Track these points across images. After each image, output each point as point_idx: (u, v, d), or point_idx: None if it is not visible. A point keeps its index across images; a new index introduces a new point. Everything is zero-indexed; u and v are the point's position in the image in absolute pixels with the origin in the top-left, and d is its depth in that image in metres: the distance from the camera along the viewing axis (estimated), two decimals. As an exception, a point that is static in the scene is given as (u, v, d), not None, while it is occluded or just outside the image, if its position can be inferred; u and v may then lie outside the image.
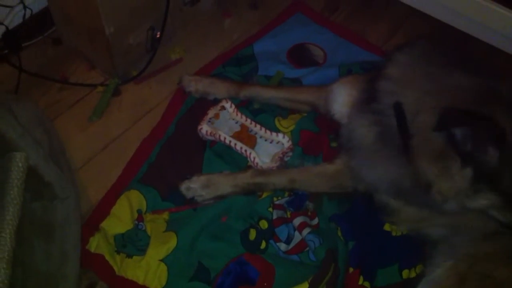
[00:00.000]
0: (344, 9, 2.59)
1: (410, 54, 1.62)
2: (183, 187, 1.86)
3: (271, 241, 1.79)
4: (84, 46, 2.19)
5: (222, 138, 1.97)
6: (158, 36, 2.20)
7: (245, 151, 1.95)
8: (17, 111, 1.57)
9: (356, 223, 1.84)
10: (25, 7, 2.17)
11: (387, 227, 1.85)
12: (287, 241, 1.79)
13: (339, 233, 1.81)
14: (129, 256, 1.74)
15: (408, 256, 1.78)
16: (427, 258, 1.69)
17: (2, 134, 1.38)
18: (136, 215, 1.83)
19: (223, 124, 2.04)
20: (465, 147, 1.35)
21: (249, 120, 2.05)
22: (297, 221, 1.81)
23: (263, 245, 1.78)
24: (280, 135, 2.00)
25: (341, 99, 1.87)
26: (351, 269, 1.76)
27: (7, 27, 2.14)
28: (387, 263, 1.78)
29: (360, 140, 1.69)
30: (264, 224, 1.81)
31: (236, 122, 2.05)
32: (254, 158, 1.93)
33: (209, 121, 2.03)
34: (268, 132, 2.01)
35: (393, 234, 1.84)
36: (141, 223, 1.82)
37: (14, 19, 2.18)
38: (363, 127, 1.67)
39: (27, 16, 2.20)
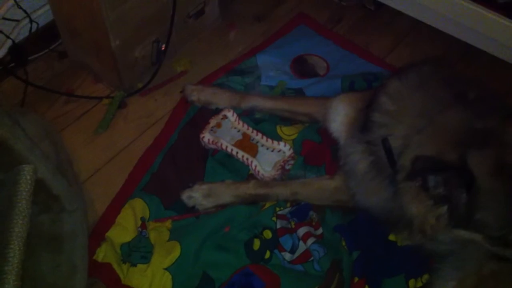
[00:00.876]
0: (348, 21, 2.60)
1: (407, 84, 1.63)
2: (185, 196, 1.87)
3: (276, 251, 1.79)
4: (90, 59, 2.21)
5: (224, 147, 1.98)
6: (163, 48, 2.21)
7: (247, 159, 1.96)
8: (23, 124, 1.57)
9: (361, 233, 1.84)
10: (31, 21, 2.19)
11: (392, 237, 1.85)
12: (292, 251, 1.79)
13: (343, 243, 1.81)
14: (134, 264, 1.74)
15: (414, 266, 1.78)
16: (434, 272, 1.69)
17: (11, 147, 1.38)
18: (139, 222, 1.84)
19: (225, 133, 2.05)
20: (438, 191, 1.37)
21: (250, 129, 2.06)
22: (301, 231, 1.81)
23: (267, 255, 1.78)
24: (282, 144, 2.01)
25: (339, 119, 1.87)
26: (356, 279, 1.75)
27: (13, 41, 2.16)
28: (393, 273, 1.78)
29: (355, 166, 1.71)
30: (268, 234, 1.81)
31: (238, 131, 2.06)
32: (256, 166, 1.94)
33: (211, 130, 2.04)
34: (269, 140, 2.02)
35: (399, 244, 1.83)
36: (144, 230, 1.82)
37: (21, 32, 2.21)
38: (357, 154, 1.69)
39: (33, 29, 2.23)
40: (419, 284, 1.76)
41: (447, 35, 2.34)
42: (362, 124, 1.69)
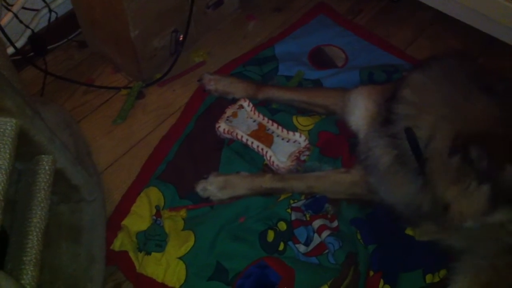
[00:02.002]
0: (368, 12, 2.58)
1: (430, 76, 1.60)
2: (200, 187, 1.87)
3: (290, 243, 1.78)
4: (109, 49, 2.21)
5: (239, 137, 1.98)
6: (181, 39, 2.21)
7: (262, 149, 1.96)
8: (43, 114, 1.58)
9: (378, 227, 1.83)
10: (50, 11, 2.20)
11: (409, 231, 1.83)
12: (306, 243, 1.79)
13: (359, 237, 1.80)
14: (148, 253, 1.75)
15: (432, 261, 1.76)
16: (451, 268, 1.68)
17: (31, 137, 1.39)
18: (154, 211, 1.85)
19: (241, 122, 2.05)
20: (482, 165, 1.35)
21: (266, 119, 2.05)
22: (317, 223, 1.81)
23: (282, 246, 1.77)
24: (297, 134, 2.00)
25: (358, 112, 1.85)
26: (371, 273, 1.75)
27: (33, 30, 2.17)
28: (410, 267, 1.76)
29: (377, 161, 1.68)
30: (282, 226, 1.81)
31: (254, 121, 2.06)
32: (271, 157, 1.93)
33: (227, 120, 2.04)
34: (285, 131, 2.02)
35: (416, 238, 1.81)
36: (159, 219, 1.83)
37: (40, 22, 2.21)
38: (380, 148, 1.67)
39: (53, 19, 2.23)
40: (437, 279, 1.75)
41: (469, 26, 2.31)
42: (384, 117, 1.66)
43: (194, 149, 2.02)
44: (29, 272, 1.31)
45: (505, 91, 1.50)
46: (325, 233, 1.77)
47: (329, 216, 1.85)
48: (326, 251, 1.76)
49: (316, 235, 1.80)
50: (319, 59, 2.34)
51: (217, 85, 2.14)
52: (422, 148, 1.49)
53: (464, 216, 1.46)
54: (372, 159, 1.71)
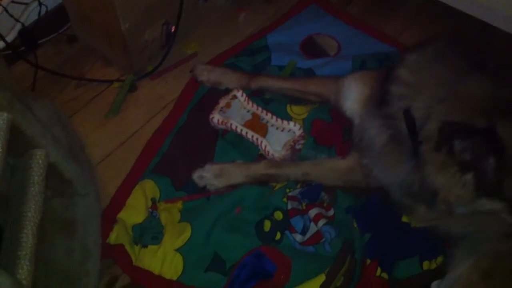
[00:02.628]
0: (359, 1, 2.57)
1: (424, 56, 1.61)
2: (196, 175, 1.87)
3: (287, 232, 1.78)
4: (99, 42, 2.20)
5: (233, 127, 1.98)
6: (173, 31, 2.20)
7: (257, 139, 1.96)
8: (35, 108, 1.56)
9: (373, 215, 1.83)
10: (40, 4, 2.18)
11: (405, 219, 1.83)
12: (303, 232, 1.79)
13: (355, 225, 1.81)
14: (145, 245, 1.75)
15: (428, 248, 1.77)
16: (449, 254, 1.68)
17: (23, 132, 1.38)
18: (150, 203, 1.84)
19: (235, 113, 2.04)
20: (465, 157, 1.36)
21: (260, 109, 2.05)
22: (313, 212, 1.81)
23: (278, 236, 1.77)
24: (291, 123, 2.00)
25: (352, 97, 1.86)
26: (368, 261, 1.75)
27: (23, 24, 2.15)
28: (407, 255, 1.77)
29: (372, 141, 1.69)
30: (279, 215, 1.81)
31: (248, 111, 2.05)
32: (266, 146, 1.93)
33: (220, 110, 2.04)
34: (279, 120, 2.02)
35: (412, 225, 1.82)
36: (155, 211, 1.83)
37: (30, 16, 2.19)
38: (375, 128, 1.68)
39: (43, 13, 2.21)
40: (433, 266, 1.75)
41: (462, 13, 2.30)
42: (379, 99, 1.67)
43: (188, 140, 2.01)
44: (24, 266, 1.30)
45: (496, 67, 1.51)
46: (321, 222, 1.77)
47: (325, 205, 1.85)
48: (323, 239, 1.76)
49: (312, 224, 1.80)
50: (311, 48, 2.34)
51: (209, 75, 2.14)
52: (418, 130, 1.50)
53: (450, 203, 1.47)
54: (367, 140, 1.72)
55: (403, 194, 1.68)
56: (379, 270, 1.74)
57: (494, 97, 1.41)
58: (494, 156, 1.33)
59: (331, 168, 1.88)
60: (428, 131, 1.45)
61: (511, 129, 1.34)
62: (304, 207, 1.84)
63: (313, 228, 1.79)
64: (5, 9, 2.05)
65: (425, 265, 1.76)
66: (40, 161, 1.45)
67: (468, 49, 1.64)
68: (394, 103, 1.58)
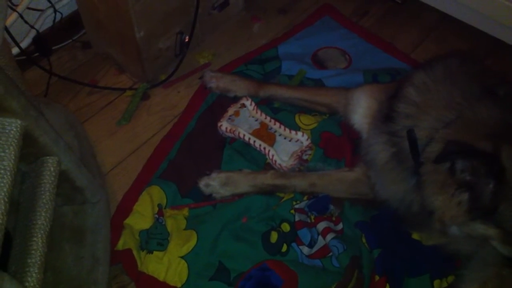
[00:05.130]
0: (374, 14, 2.57)
1: (433, 76, 1.60)
2: (202, 183, 1.87)
3: (293, 244, 1.77)
4: (113, 50, 2.21)
5: (241, 136, 1.98)
6: (186, 40, 2.20)
7: (264, 148, 1.95)
8: (48, 114, 1.57)
9: (383, 231, 1.81)
10: (55, 11, 2.20)
11: (415, 236, 1.81)
12: (310, 245, 1.77)
13: (363, 240, 1.79)
14: (150, 251, 1.74)
15: (440, 266, 1.75)
16: (458, 275, 1.68)
17: (36, 139, 1.38)
18: (156, 209, 1.84)
19: (243, 121, 2.04)
20: (463, 176, 1.36)
21: (268, 118, 2.05)
22: (321, 226, 1.79)
23: (285, 248, 1.76)
24: (299, 134, 1.99)
25: (361, 110, 1.85)
26: (377, 277, 1.73)
27: (37, 31, 2.17)
28: (417, 272, 1.74)
29: (375, 156, 1.69)
30: (286, 227, 1.80)
31: (256, 120, 2.05)
32: (273, 155, 1.93)
33: (229, 118, 2.03)
34: (287, 130, 2.01)
35: (423, 243, 1.80)
36: (161, 217, 1.82)
37: (45, 22, 2.21)
38: (379, 144, 1.67)
39: (57, 19, 2.23)
40: (444, 284, 1.73)
41: (476, 29, 2.30)
42: (386, 114, 1.66)
43: (196, 147, 2.01)
44: (33, 274, 1.30)
45: (506, 95, 1.51)
46: (329, 236, 1.76)
47: (333, 218, 1.83)
48: (330, 254, 1.75)
49: (320, 237, 1.78)
50: (323, 61, 2.33)
51: (218, 82, 2.14)
52: (420, 150, 1.50)
53: (444, 223, 1.47)
54: (371, 154, 1.72)
55: (402, 212, 1.68)
56: (388, 286, 1.72)
57: (501, 124, 1.41)
58: (493, 180, 1.32)
59: (338, 180, 1.87)
60: (430, 153, 1.45)
61: None
62: (312, 220, 1.82)
63: (321, 242, 1.78)
64: (20, 16, 2.06)
65: (436, 283, 1.73)
66: (52, 169, 1.45)
67: (480, 72, 1.63)
68: (399, 121, 1.58)
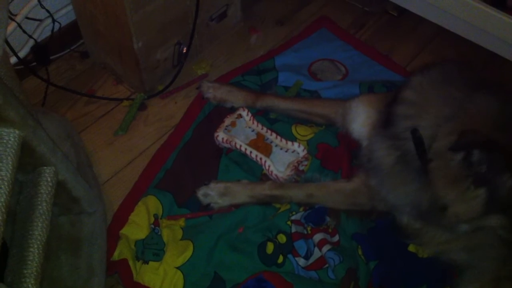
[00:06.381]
0: (370, 27, 2.58)
1: (429, 77, 1.62)
2: (201, 193, 1.86)
3: (290, 256, 1.77)
4: (111, 60, 2.21)
5: (238, 146, 1.98)
6: (184, 51, 2.21)
7: (260, 159, 1.96)
8: (45, 124, 1.57)
9: (379, 243, 1.82)
10: (53, 21, 2.20)
11: (412, 248, 1.82)
12: (306, 257, 1.77)
13: (360, 252, 1.79)
14: (146, 262, 1.74)
15: (436, 277, 1.75)
16: (455, 284, 1.69)
17: (33, 148, 1.38)
18: (152, 219, 1.83)
19: (240, 132, 2.05)
20: (480, 169, 1.36)
21: (265, 129, 2.05)
22: (317, 237, 1.79)
23: (281, 259, 1.76)
24: (296, 144, 2.00)
25: (360, 119, 1.86)
26: (373, 289, 1.74)
27: (36, 40, 2.17)
28: (414, 284, 1.75)
29: (380, 162, 1.69)
30: (282, 238, 1.80)
31: (253, 131, 2.06)
32: (269, 166, 1.93)
33: (225, 129, 2.04)
34: (283, 141, 2.02)
35: (419, 255, 1.81)
36: (157, 227, 1.82)
37: (43, 32, 2.21)
38: (383, 150, 1.67)
39: (56, 29, 2.23)
40: (441, 296, 1.74)
41: (472, 42, 2.31)
42: (385, 119, 1.67)
43: (193, 157, 2.02)
44: (30, 285, 1.29)
45: (499, 88, 1.54)
46: (325, 248, 1.76)
47: (330, 230, 1.83)
48: (326, 265, 1.75)
49: (316, 249, 1.78)
50: (319, 72, 2.34)
51: (215, 92, 2.14)
52: (427, 148, 1.50)
53: (459, 218, 1.47)
54: (375, 161, 1.72)
55: (411, 214, 1.68)
56: (384, 298, 1.72)
57: (503, 113, 1.42)
58: (510, 173, 1.32)
59: (336, 190, 1.87)
60: (437, 148, 1.46)
61: None
62: (309, 231, 1.82)
63: (317, 253, 1.78)
64: (19, 25, 2.07)
65: (433, 295, 1.74)
66: (49, 179, 1.45)
67: (473, 78, 1.64)
68: (400, 124, 1.59)
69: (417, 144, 1.51)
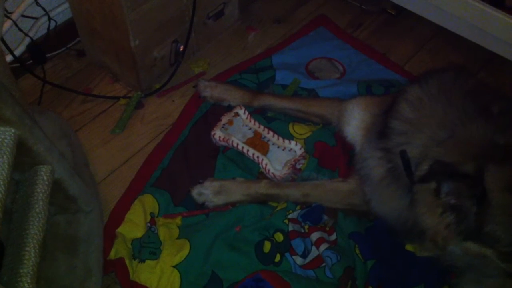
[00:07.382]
0: (369, 26, 2.58)
1: (428, 92, 1.60)
2: (195, 191, 1.86)
3: (287, 254, 1.77)
4: (108, 58, 2.20)
5: (235, 144, 1.98)
6: (181, 49, 2.20)
7: (257, 157, 1.95)
8: (41, 123, 1.56)
9: (377, 242, 1.81)
10: (49, 19, 2.19)
11: (409, 247, 1.81)
12: (303, 255, 1.77)
13: (357, 251, 1.79)
14: (142, 260, 1.74)
15: (434, 278, 1.75)
16: (454, 284, 1.68)
17: (30, 147, 1.37)
18: (149, 218, 1.83)
19: (237, 130, 2.05)
20: (449, 199, 1.36)
21: (262, 127, 2.05)
22: (315, 236, 1.79)
23: (278, 258, 1.76)
24: (293, 143, 2.00)
25: (354, 123, 1.86)
26: (370, 288, 1.73)
27: (32, 38, 2.16)
28: (412, 283, 1.74)
29: (371, 172, 1.69)
30: (279, 237, 1.79)
31: (250, 129, 2.06)
32: (266, 164, 1.92)
33: (222, 127, 2.03)
34: (280, 139, 2.01)
35: (417, 255, 1.80)
36: (153, 226, 1.81)
37: (39, 30, 2.20)
38: (374, 160, 1.67)
39: (52, 27, 2.22)
40: (439, 296, 1.74)
41: (470, 42, 2.31)
42: (380, 130, 1.66)
43: (189, 156, 2.01)
44: (26, 284, 1.29)
45: (500, 113, 1.50)
46: (323, 246, 1.76)
47: (327, 228, 1.83)
48: (323, 264, 1.75)
49: (314, 247, 1.78)
50: (317, 71, 2.34)
51: (212, 91, 2.14)
52: (414, 169, 1.49)
53: (437, 243, 1.47)
54: (366, 169, 1.72)
55: (398, 228, 1.67)
56: (381, 297, 1.72)
57: (489, 143, 1.41)
58: (475, 202, 1.33)
59: (332, 190, 1.87)
60: (423, 171, 1.45)
61: (497, 174, 1.33)
62: (306, 230, 1.82)
63: (314, 252, 1.78)
64: (15, 23, 2.05)
65: (430, 295, 1.74)
66: (45, 178, 1.44)
67: (475, 87, 1.63)
68: (394, 138, 1.58)
69: (405, 164, 1.51)
